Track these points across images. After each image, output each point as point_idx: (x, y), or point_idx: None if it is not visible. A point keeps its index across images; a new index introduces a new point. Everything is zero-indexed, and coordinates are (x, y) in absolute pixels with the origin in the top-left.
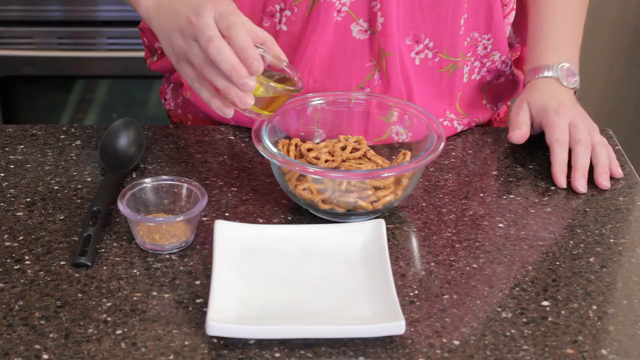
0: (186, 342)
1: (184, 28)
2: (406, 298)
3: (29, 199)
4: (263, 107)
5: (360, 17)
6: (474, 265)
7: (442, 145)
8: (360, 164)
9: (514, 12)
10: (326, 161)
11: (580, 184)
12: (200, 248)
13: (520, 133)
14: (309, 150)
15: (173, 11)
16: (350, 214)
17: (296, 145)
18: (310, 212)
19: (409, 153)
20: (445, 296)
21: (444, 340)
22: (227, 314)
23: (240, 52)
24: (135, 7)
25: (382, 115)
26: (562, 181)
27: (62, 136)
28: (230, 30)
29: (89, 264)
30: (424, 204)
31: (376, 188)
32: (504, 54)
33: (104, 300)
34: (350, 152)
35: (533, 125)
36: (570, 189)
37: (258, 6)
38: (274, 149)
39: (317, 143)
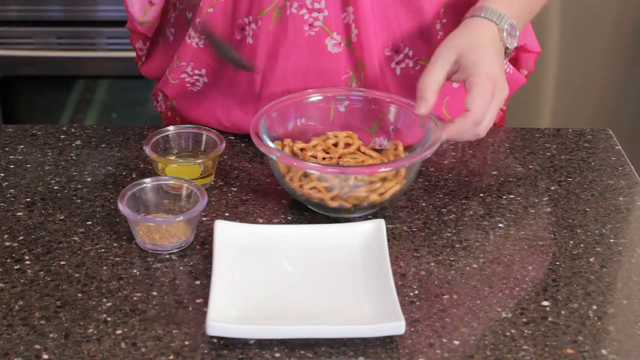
0: (186, 342)
1: None
2: (406, 298)
3: (29, 199)
4: None
5: (333, 31)
6: (474, 265)
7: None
8: (356, 158)
9: None
10: (323, 159)
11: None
12: (200, 248)
13: (425, 107)
14: (302, 150)
15: None
16: (355, 208)
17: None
18: (310, 212)
19: (400, 143)
20: (445, 296)
21: (444, 340)
22: (227, 314)
23: None
24: None
25: (366, 126)
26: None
27: (62, 136)
28: None
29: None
30: (424, 204)
31: (382, 180)
32: None
33: (104, 300)
34: (344, 148)
35: (450, 72)
36: (570, 189)
37: (228, 20)
38: (273, 147)
39: (307, 142)
